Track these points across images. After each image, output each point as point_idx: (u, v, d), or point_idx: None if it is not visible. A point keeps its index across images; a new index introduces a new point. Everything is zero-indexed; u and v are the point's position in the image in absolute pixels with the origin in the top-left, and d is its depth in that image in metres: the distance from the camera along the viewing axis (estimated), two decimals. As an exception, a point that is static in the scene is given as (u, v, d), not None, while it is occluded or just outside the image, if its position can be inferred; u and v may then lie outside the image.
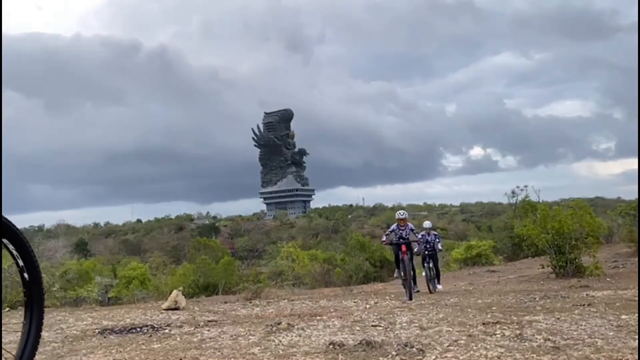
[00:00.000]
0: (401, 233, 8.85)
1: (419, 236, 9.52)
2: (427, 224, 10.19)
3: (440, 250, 10.17)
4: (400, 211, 9.21)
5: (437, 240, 10.04)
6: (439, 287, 9.55)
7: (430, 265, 9.67)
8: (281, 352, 3.04)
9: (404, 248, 8.51)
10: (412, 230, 8.91)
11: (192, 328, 4.30)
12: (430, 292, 8.98)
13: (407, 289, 7.97)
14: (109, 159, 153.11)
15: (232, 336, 3.69)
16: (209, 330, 4.09)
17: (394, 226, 9.01)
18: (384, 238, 9.04)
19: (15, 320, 5.55)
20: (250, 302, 7.14)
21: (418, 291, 8.75)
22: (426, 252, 9.87)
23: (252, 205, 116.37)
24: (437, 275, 9.80)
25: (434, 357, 2.72)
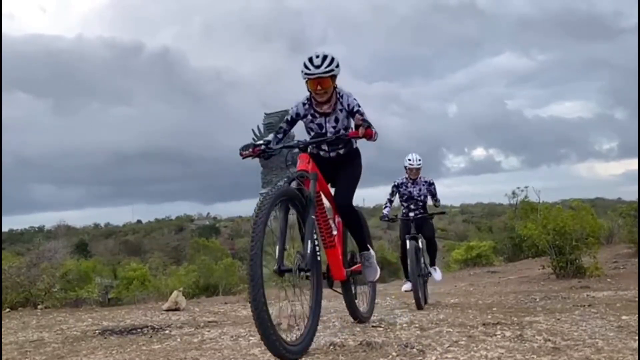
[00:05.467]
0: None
1: (396, 182, 6.08)
2: (412, 158, 5.85)
3: (438, 207, 6.26)
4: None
5: (432, 189, 6.06)
6: (436, 275, 6.09)
7: (419, 243, 5.63)
8: (281, 352, 3.03)
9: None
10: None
11: (193, 329, 4.30)
12: (419, 307, 5.08)
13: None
14: (113, 159, 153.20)
15: (232, 337, 3.69)
16: (209, 331, 4.09)
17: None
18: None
19: (15, 321, 5.56)
20: (251, 303, 7.12)
21: (425, 303, 5.35)
22: (410, 216, 5.88)
23: (254, 206, 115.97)
24: (432, 259, 6.10)
25: (434, 357, 2.72)
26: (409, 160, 5.98)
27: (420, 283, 5.40)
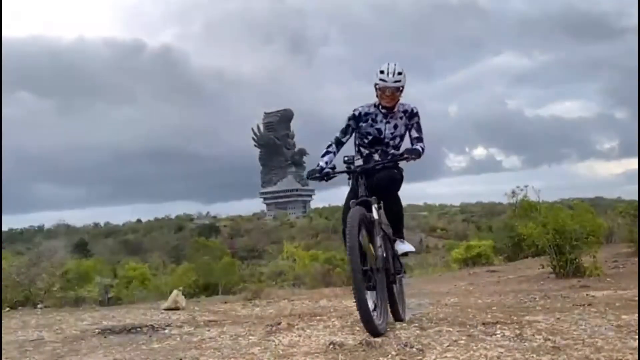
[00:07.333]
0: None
1: (357, 111, 3.73)
2: (388, 69, 3.57)
3: (416, 152, 3.57)
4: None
5: (415, 124, 3.74)
6: (402, 246, 3.75)
7: (374, 212, 3.42)
8: (281, 352, 3.04)
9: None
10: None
11: (192, 328, 4.30)
12: (373, 331, 3.07)
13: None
14: (114, 158, 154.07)
15: (232, 336, 3.69)
16: (209, 330, 4.09)
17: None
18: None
19: (15, 320, 5.57)
20: (251, 302, 7.14)
21: (399, 319, 3.76)
22: (361, 168, 3.61)
23: (254, 206, 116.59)
24: (396, 228, 3.77)
25: (434, 357, 2.72)
26: (381, 72, 3.58)
27: (379, 288, 3.34)
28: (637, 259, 10.37)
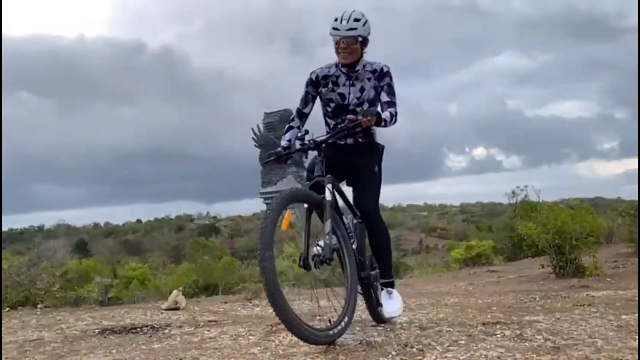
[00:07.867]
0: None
1: (315, 73, 3.24)
2: (341, 16, 3.02)
3: (372, 113, 2.87)
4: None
5: (385, 86, 3.11)
6: (389, 305, 3.42)
7: (327, 194, 2.87)
8: (281, 352, 3.04)
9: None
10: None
11: (192, 328, 4.30)
12: (304, 338, 2.68)
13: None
14: (114, 158, 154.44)
15: (232, 336, 3.69)
16: (209, 331, 4.09)
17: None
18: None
19: (15, 320, 5.57)
20: (251, 302, 7.14)
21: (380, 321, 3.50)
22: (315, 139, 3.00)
23: (254, 206, 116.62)
24: (383, 266, 3.35)
25: (434, 357, 2.72)
26: (335, 20, 3.05)
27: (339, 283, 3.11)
28: (637, 259, 10.37)
